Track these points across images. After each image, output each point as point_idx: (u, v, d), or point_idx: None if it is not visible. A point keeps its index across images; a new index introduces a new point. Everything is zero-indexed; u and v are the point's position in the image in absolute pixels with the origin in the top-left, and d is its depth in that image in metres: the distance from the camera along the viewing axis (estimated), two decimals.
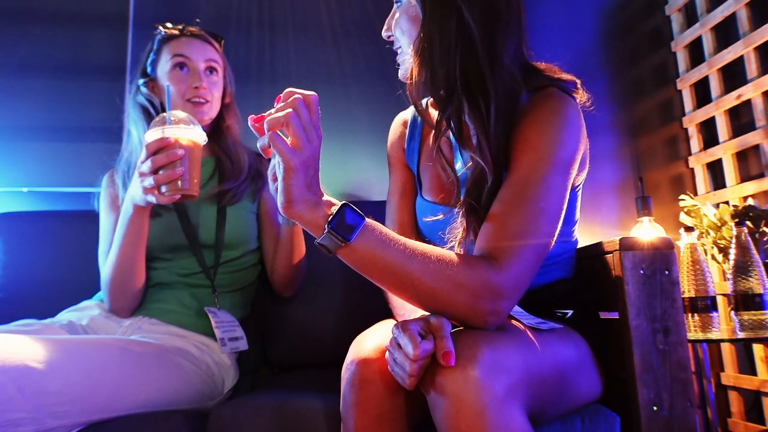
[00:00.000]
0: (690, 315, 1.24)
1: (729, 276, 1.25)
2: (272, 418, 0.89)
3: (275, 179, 0.73)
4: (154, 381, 0.96)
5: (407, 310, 0.87)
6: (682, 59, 1.96)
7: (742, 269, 1.22)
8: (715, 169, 1.85)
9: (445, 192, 0.97)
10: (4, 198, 1.61)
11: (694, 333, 1.24)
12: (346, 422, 0.75)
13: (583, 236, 1.08)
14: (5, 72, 1.67)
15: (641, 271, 0.86)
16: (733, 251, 1.25)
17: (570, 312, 0.90)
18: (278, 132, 0.69)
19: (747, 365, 1.68)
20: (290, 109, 0.68)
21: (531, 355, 0.71)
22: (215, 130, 1.30)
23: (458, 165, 0.94)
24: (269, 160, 0.74)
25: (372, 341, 0.78)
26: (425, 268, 0.69)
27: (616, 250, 0.88)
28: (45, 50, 1.70)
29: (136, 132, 1.22)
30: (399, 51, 0.94)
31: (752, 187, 1.64)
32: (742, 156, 1.74)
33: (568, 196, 0.81)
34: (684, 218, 1.57)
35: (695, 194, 1.87)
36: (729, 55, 1.73)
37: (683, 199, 1.59)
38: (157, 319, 1.14)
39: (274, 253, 1.28)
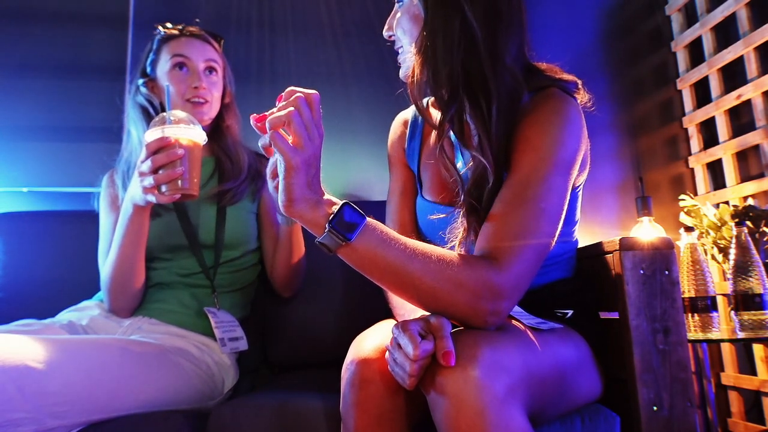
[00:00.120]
0: (690, 315, 1.24)
1: (729, 276, 1.25)
2: (272, 418, 0.89)
3: (274, 176, 0.73)
4: (154, 381, 0.96)
5: (407, 310, 0.87)
6: (682, 59, 1.96)
7: (742, 269, 1.22)
8: (715, 169, 1.85)
9: (445, 192, 0.97)
10: (4, 198, 1.61)
11: (694, 333, 1.24)
12: (346, 422, 0.75)
13: (583, 236, 1.08)
14: (5, 72, 1.67)
15: (641, 271, 0.86)
16: (733, 251, 1.25)
17: (570, 312, 0.90)
18: (280, 131, 0.69)
19: (747, 365, 1.68)
20: (292, 108, 0.68)
21: (531, 355, 0.71)
22: (215, 130, 1.30)
23: (459, 164, 0.94)
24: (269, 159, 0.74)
25: (372, 341, 0.78)
26: (426, 267, 0.69)
27: (616, 250, 0.88)
28: (45, 50, 1.70)
29: (135, 132, 1.22)
30: (400, 50, 0.94)
31: (752, 187, 1.64)
32: (742, 156, 1.74)
33: (568, 197, 0.81)
34: (684, 218, 1.57)
35: (695, 194, 1.87)
36: (729, 55, 1.73)
37: (683, 199, 1.59)
38: (157, 319, 1.14)
39: (274, 253, 1.28)
